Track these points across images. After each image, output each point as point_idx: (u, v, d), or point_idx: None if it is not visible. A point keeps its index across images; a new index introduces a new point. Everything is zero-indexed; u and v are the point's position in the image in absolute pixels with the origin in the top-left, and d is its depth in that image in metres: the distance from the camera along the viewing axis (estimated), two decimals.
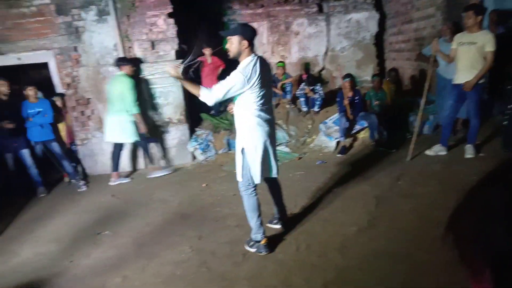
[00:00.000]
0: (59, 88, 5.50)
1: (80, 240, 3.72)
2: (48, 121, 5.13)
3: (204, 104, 2.86)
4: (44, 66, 5.50)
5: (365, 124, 5.74)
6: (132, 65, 5.18)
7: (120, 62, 5.09)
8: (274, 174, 3.08)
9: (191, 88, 2.82)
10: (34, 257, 3.50)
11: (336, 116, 6.00)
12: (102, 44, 5.39)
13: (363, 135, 5.85)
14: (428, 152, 4.76)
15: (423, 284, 2.44)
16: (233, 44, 2.73)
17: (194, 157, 5.98)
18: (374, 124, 5.49)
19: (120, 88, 4.96)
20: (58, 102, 5.35)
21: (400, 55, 6.96)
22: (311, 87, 6.27)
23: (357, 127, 5.81)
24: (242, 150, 2.89)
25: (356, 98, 5.67)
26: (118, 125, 5.10)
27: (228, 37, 2.76)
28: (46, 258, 3.45)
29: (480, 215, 0.48)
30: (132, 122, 5.12)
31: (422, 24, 5.98)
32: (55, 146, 5.21)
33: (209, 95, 2.74)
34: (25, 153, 4.97)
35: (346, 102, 5.54)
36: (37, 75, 6.56)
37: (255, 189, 3.00)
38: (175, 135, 5.83)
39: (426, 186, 3.91)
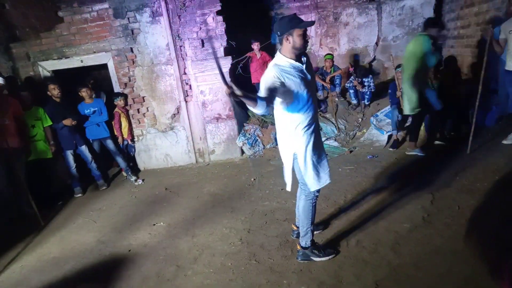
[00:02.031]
0: (117, 88, 5.85)
1: (138, 230, 3.96)
2: (103, 119, 5.49)
3: None
4: (104, 67, 5.88)
5: None
6: (439, 29, 4.78)
7: (428, 23, 4.61)
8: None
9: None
10: (97, 245, 3.78)
11: (388, 108, 5.78)
12: (155, 44, 5.64)
13: None
14: (504, 142, 4.42)
15: (487, 285, 2.29)
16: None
17: (242, 152, 6.08)
18: (430, 116, 5.20)
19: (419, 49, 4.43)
20: (121, 102, 5.68)
21: (459, 42, 6.50)
22: (360, 79, 6.09)
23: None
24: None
25: None
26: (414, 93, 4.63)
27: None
28: (107, 246, 3.71)
29: (501, 214, 0.45)
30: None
31: (485, 7, 5.53)
32: (110, 143, 5.56)
33: None
34: (84, 149, 5.35)
35: (399, 93, 5.31)
36: (98, 75, 7.04)
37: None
38: (224, 130, 5.96)
39: (488, 182, 3.64)
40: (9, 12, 5.46)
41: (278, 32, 2.44)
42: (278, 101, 2.49)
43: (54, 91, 5.07)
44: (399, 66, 5.44)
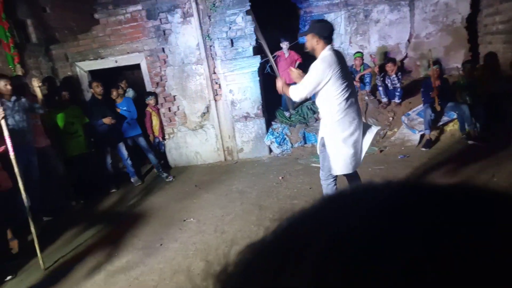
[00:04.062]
0: (149, 87, 6.03)
1: (168, 225, 4.07)
2: (132, 116, 5.65)
3: (279, 99, 3.00)
4: (137, 67, 6.07)
5: (454, 115, 5.29)
6: None
7: None
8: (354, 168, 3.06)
9: (286, 90, 3.01)
10: (131, 239, 3.91)
11: (420, 107, 5.63)
12: (186, 44, 5.76)
13: (452, 128, 5.40)
14: None
15: None
16: (308, 41, 2.88)
17: (270, 150, 6.11)
18: (465, 115, 5.03)
19: None
20: (152, 101, 5.84)
21: (497, 38, 6.22)
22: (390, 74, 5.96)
23: (445, 118, 5.38)
24: (323, 141, 2.99)
25: (443, 87, 5.26)
26: None
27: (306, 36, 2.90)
28: (140, 240, 3.85)
29: None
30: None
31: None
32: (142, 141, 5.72)
33: (295, 92, 2.91)
34: (121, 146, 5.54)
35: (435, 92, 5.11)
36: (131, 75, 7.26)
37: (334, 180, 3.08)
38: (252, 128, 6.00)
39: None
40: (49, 15, 5.77)
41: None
42: None
43: (97, 88, 5.29)
44: (436, 63, 5.28)
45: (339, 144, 2.89)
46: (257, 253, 0.29)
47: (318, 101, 2.96)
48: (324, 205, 0.31)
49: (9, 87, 3.99)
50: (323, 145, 2.99)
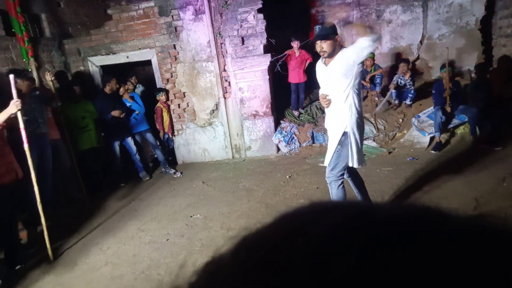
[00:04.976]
0: (160, 83, 6.06)
1: (175, 221, 4.11)
2: (137, 110, 5.67)
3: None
4: (148, 63, 6.11)
5: (465, 118, 5.23)
6: None
7: None
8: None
9: (362, 28, 2.73)
10: (137, 232, 3.96)
11: (431, 109, 5.58)
12: (197, 42, 5.79)
13: (462, 131, 5.34)
14: None
15: None
16: (330, 46, 2.76)
17: (278, 149, 6.11)
18: (476, 118, 4.97)
19: None
20: (163, 97, 5.88)
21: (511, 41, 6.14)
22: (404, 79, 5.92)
23: (455, 121, 5.33)
24: (342, 138, 2.92)
25: (454, 89, 5.20)
26: None
27: (322, 41, 2.76)
28: (147, 234, 3.89)
29: None
30: None
31: None
32: (150, 137, 5.76)
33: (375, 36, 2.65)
34: (130, 141, 5.59)
35: (448, 92, 5.05)
36: (142, 71, 7.32)
37: (343, 180, 3.07)
38: (261, 127, 6.01)
39: None
40: (63, 10, 5.83)
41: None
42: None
43: (114, 85, 5.38)
44: (449, 65, 5.21)
45: (361, 138, 2.98)
46: (217, 271, 0.31)
47: (339, 99, 2.84)
48: (279, 224, 0.33)
49: (30, 87, 4.13)
50: (341, 143, 2.91)
